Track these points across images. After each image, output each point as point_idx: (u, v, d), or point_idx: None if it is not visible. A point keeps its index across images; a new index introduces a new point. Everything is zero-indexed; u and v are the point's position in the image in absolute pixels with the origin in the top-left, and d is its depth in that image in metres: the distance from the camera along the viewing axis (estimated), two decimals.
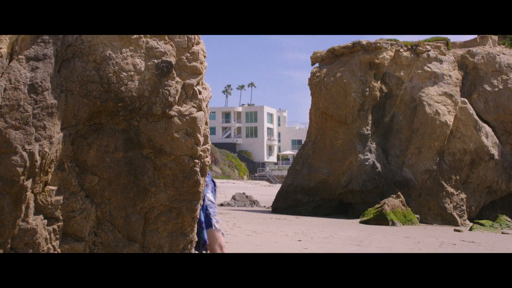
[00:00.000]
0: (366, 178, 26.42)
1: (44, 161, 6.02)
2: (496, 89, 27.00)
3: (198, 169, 6.83)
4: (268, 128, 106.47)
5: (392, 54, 26.95)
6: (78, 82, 6.42)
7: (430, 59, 26.81)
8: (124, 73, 6.52)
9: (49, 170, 6.19)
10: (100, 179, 6.61)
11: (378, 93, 26.91)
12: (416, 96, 26.41)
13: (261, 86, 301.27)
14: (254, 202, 34.49)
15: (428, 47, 27.03)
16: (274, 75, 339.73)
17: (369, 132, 26.65)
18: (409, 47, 27.21)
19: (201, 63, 6.91)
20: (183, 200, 6.85)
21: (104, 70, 6.46)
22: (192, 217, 6.89)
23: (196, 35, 6.96)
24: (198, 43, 6.98)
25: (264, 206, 32.86)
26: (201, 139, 6.83)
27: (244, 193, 36.19)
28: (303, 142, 29.99)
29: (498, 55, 27.49)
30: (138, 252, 6.75)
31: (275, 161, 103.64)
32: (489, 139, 26.52)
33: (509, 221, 24.84)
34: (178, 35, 6.82)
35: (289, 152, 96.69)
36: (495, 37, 28.80)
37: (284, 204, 27.86)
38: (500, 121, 27.17)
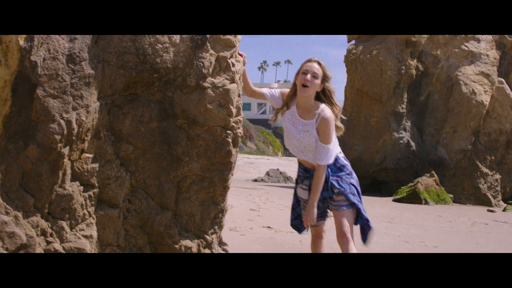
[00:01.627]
0: (400, 157, 26.33)
1: (81, 129, 6.21)
2: None
3: (230, 140, 6.98)
4: None
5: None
6: (115, 53, 6.59)
7: (468, 38, 26.50)
8: (159, 45, 6.67)
9: (85, 138, 6.38)
10: (134, 148, 6.80)
11: (414, 72, 26.70)
12: (452, 75, 26.15)
13: (297, 63, 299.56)
14: (287, 179, 34.56)
15: None
16: (310, 52, 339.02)
17: (404, 110, 26.51)
18: None
19: (235, 36, 7.02)
20: (215, 170, 7.01)
21: (140, 41, 6.62)
22: (223, 187, 7.05)
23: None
24: None
25: None
26: (234, 110, 6.97)
27: (278, 169, 36.27)
28: None
29: None
30: (170, 219, 6.93)
31: None
32: None
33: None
34: None
35: None
36: None
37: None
38: None
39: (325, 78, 6.09)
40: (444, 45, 26.53)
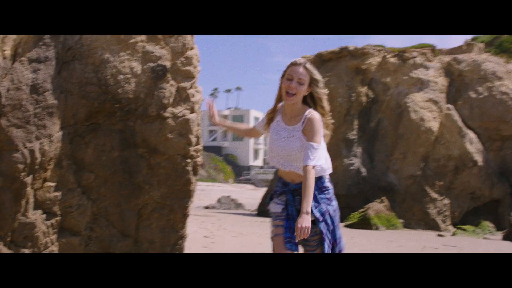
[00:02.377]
0: (351, 183, 26.80)
1: (44, 158, 6.40)
2: (481, 96, 27.42)
3: (190, 169, 7.23)
4: None
5: (379, 60, 27.37)
6: (77, 84, 6.81)
7: (417, 65, 27.22)
8: (121, 76, 6.91)
9: (48, 167, 6.56)
10: (96, 176, 7.00)
11: (364, 99, 27.31)
12: (401, 102, 26.78)
13: (248, 90, 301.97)
14: (239, 205, 34.78)
15: (414, 53, 27.45)
16: (261, 79, 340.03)
17: (355, 137, 27.04)
18: (396, 53, 27.58)
19: (195, 67, 7.31)
20: (175, 197, 7.25)
21: (102, 72, 6.85)
22: (183, 214, 7.29)
23: (190, 39, 7.35)
24: (192, 48, 7.39)
25: (249, 210, 33.15)
26: (194, 139, 7.24)
27: (229, 196, 36.47)
28: None
29: (484, 62, 27.95)
30: (132, 246, 7.12)
31: (261, 164, 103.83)
32: (473, 145, 26.95)
33: (491, 227, 25.32)
34: (173, 40, 7.20)
35: None
36: (481, 45, 29.29)
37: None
38: (485, 128, 27.60)
39: (312, 82, 5.53)
40: (394, 72, 27.19)
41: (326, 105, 5.55)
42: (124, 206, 7.08)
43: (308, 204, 5.36)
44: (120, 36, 6.89)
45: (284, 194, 5.66)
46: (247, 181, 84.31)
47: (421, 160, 26.56)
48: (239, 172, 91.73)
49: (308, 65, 5.51)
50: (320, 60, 28.19)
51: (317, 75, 5.51)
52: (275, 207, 5.68)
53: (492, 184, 27.41)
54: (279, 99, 5.66)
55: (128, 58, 6.97)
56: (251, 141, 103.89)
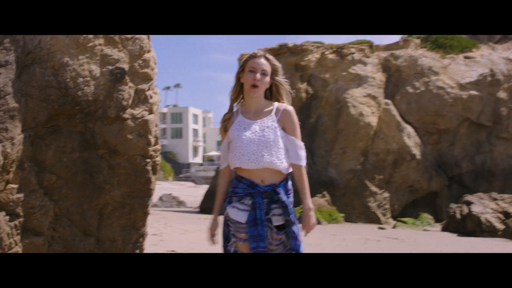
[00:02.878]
0: (292, 178, 27.28)
1: (6, 161, 6.57)
2: (418, 91, 28.25)
3: (149, 168, 7.51)
4: (193, 129, 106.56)
5: (318, 56, 27.94)
6: (38, 87, 7.00)
7: (355, 61, 27.88)
8: (80, 79, 7.13)
9: (10, 169, 6.73)
10: (58, 177, 7.20)
11: (304, 95, 27.85)
12: (341, 97, 27.39)
13: (187, 87, 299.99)
14: (181, 203, 35.02)
15: (352, 49, 28.09)
16: (199, 76, 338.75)
17: None
18: (334, 49, 28.17)
19: (152, 69, 7.58)
20: (136, 196, 7.51)
21: (62, 75, 7.06)
22: (144, 212, 7.56)
23: (147, 42, 7.61)
24: (149, 51, 7.66)
25: (191, 207, 33.43)
26: (152, 140, 7.51)
27: (170, 194, 36.69)
28: None
29: (420, 58, 28.79)
30: (94, 245, 7.35)
31: (201, 162, 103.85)
32: (411, 139, 27.76)
33: (430, 218, 26.18)
34: (131, 44, 7.46)
35: (214, 153, 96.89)
36: (418, 40, 30.14)
37: (212, 205, 28.44)
38: (422, 122, 28.44)
39: (274, 73, 5.37)
40: (333, 69, 27.79)
41: (284, 93, 5.45)
42: (86, 206, 7.30)
43: (309, 199, 5.38)
44: (79, 39, 7.11)
45: (249, 197, 5.21)
46: (186, 179, 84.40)
47: (361, 154, 27.25)
48: (179, 170, 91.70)
49: (268, 55, 5.41)
50: None
51: (278, 64, 5.43)
52: (237, 214, 5.22)
53: (430, 177, 28.30)
54: (235, 97, 5.49)
55: (87, 61, 7.18)
56: (190, 138, 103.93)
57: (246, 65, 5.29)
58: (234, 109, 5.49)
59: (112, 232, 7.50)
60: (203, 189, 42.36)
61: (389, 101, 27.97)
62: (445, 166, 29.09)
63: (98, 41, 7.27)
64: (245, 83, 5.32)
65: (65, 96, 7.08)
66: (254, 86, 5.23)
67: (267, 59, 5.33)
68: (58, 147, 7.20)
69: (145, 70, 7.52)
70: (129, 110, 7.39)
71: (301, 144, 5.33)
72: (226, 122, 5.44)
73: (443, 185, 28.80)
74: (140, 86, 7.49)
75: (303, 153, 5.34)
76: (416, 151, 27.81)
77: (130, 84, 7.41)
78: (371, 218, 26.54)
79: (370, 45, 29.03)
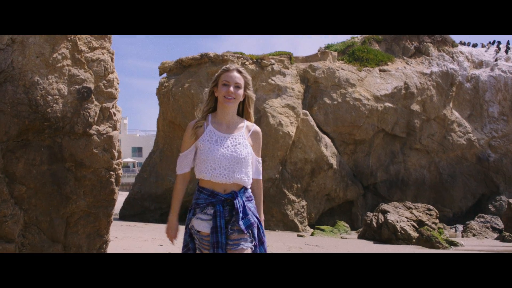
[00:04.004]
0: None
1: None
2: (335, 102, 29.54)
3: (113, 180, 8.28)
4: None
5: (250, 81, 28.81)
6: (9, 104, 7.68)
7: (274, 72, 28.90)
8: (50, 97, 7.85)
9: None
10: (27, 188, 7.89)
11: None
12: (260, 107, 28.31)
13: None
14: None
15: (272, 60, 29.12)
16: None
17: None
18: (255, 60, 29.13)
19: (116, 89, 8.37)
20: (100, 206, 8.27)
21: (32, 93, 7.76)
22: (107, 221, 8.32)
23: (111, 64, 8.39)
24: (113, 72, 8.44)
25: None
26: (116, 154, 8.30)
27: None
28: (143, 150, 31.02)
29: (338, 70, 30.14)
30: (61, 251, 8.07)
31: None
32: (328, 149, 29.00)
33: (346, 226, 27.52)
34: (96, 65, 8.23)
35: (130, 159, 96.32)
36: (335, 53, 31.50)
37: (132, 211, 29.03)
38: (339, 133, 29.77)
39: (247, 86, 5.62)
40: (252, 79, 28.31)
41: (252, 109, 5.78)
42: (54, 215, 8.00)
43: (262, 212, 5.84)
44: (48, 60, 7.83)
45: (210, 206, 5.42)
46: None
47: (280, 163, 28.28)
48: None
49: (241, 69, 5.64)
50: (181, 66, 29.33)
51: (249, 77, 5.70)
52: (201, 224, 5.40)
53: (346, 186, 29.66)
54: (207, 110, 5.64)
55: (56, 81, 7.90)
56: None
57: (219, 79, 5.58)
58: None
59: (78, 239, 8.22)
60: (121, 195, 42.64)
61: (307, 112, 29.08)
62: (360, 176, 30.55)
63: (66, 62, 8.00)
64: (219, 96, 5.52)
65: (35, 112, 7.77)
66: (227, 98, 5.43)
67: (239, 72, 5.61)
68: (28, 160, 7.88)
69: (110, 89, 8.29)
70: (94, 127, 8.14)
71: (260, 160, 5.81)
72: (197, 129, 5.57)
73: (358, 194, 30.22)
74: (105, 104, 8.25)
75: (261, 168, 5.83)
76: (333, 161, 29.05)
77: (96, 102, 8.17)
78: (289, 226, 27.55)
79: (289, 57, 30.13)
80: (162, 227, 24.65)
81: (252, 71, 28.80)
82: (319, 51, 31.86)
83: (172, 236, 5.82)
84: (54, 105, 7.88)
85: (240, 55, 29.51)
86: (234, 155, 5.48)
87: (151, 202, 29.04)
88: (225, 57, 28.93)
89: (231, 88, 5.46)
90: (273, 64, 29.15)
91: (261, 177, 5.88)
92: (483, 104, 35.18)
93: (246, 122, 5.73)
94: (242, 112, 5.76)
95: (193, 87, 27.96)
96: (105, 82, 8.30)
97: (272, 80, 28.77)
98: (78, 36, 8.08)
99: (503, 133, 35.06)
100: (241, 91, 5.55)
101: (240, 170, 5.51)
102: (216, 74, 5.68)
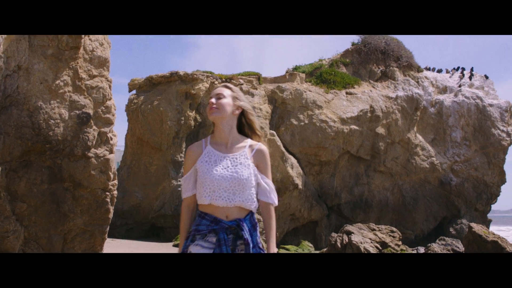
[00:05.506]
0: (178, 203, 28.42)
1: None
2: (302, 123, 30.20)
3: (109, 200, 8.99)
4: None
5: (208, 85, 29.42)
6: (14, 126, 8.36)
7: (243, 92, 29.54)
8: (52, 121, 8.55)
9: None
10: (28, 205, 8.56)
11: (192, 122, 29.25)
12: None
13: None
14: None
15: (241, 80, 29.73)
16: None
17: (183, 159, 28.80)
18: (224, 80, 29.75)
19: (113, 115, 9.09)
20: (96, 224, 8.96)
21: (36, 117, 8.45)
22: (102, 238, 9.02)
23: (109, 91, 9.12)
24: (110, 99, 9.17)
25: None
26: (112, 175, 9.00)
27: None
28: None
29: (305, 91, 30.86)
30: None
31: None
32: (294, 169, 29.62)
33: (310, 246, 28.23)
34: (95, 92, 8.95)
35: None
36: (303, 75, 32.26)
37: None
38: (305, 153, 30.43)
39: (236, 97, 5.27)
40: None
41: (258, 127, 5.38)
42: (52, 232, 8.68)
43: (275, 243, 5.24)
44: (51, 86, 8.53)
45: (213, 233, 5.01)
46: None
47: None
48: None
49: (228, 84, 5.30)
50: (151, 84, 29.83)
51: (236, 88, 5.35)
52: (201, 252, 5.00)
53: (311, 206, 30.35)
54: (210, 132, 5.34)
55: (58, 106, 8.60)
56: None
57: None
58: (203, 140, 5.28)
59: None
60: None
61: (274, 132, 29.70)
62: (325, 196, 31.29)
63: (67, 88, 8.72)
64: (208, 112, 5.21)
65: (38, 135, 8.46)
66: (211, 108, 5.11)
67: (225, 86, 5.30)
68: (29, 179, 8.55)
69: (107, 115, 9.02)
70: (93, 150, 8.85)
71: (272, 185, 5.26)
72: (196, 151, 5.22)
73: (323, 214, 30.93)
74: (102, 129, 8.98)
75: (274, 193, 5.26)
76: (299, 181, 29.70)
77: (94, 127, 8.89)
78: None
79: (258, 77, 30.79)
80: (129, 243, 25.12)
81: None
82: (287, 72, 32.63)
83: None
84: (55, 128, 8.57)
85: (210, 75, 30.11)
86: (235, 176, 5.07)
87: (118, 218, 29.44)
88: (195, 75, 29.50)
89: (213, 100, 5.16)
90: (242, 84, 29.76)
91: (273, 202, 5.28)
92: (447, 129, 36.29)
93: (249, 141, 5.29)
94: (245, 130, 5.34)
95: (162, 104, 28.46)
96: (103, 108, 9.02)
97: None
98: (79, 64, 8.80)
99: (465, 158, 36.22)
100: (225, 100, 5.19)
101: (242, 192, 5.07)
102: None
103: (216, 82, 29.52)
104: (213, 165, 5.08)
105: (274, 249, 5.16)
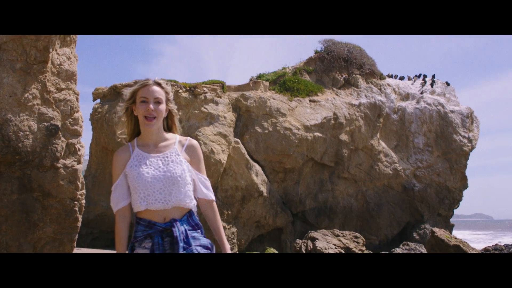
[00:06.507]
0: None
1: None
2: (266, 131, 30.61)
3: (77, 209, 9.34)
4: None
5: (172, 94, 29.66)
6: None
7: (207, 100, 29.81)
8: (21, 133, 8.88)
9: None
10: None
11: None
12: (193, 135, 28.87)
13: None
14: None
15: (205, 89, 30.04)
16: None
17: None
18: (188, 88, 29.95)
19: (80, 126, 9.45)
20: (65, 232, 9.30)
21: (5, 129, 8.78)
22: (71, 246, 9.36)
23: (76, 104, 9.48)
24: (78, 111, 9.52)
25: None
26: (80, 185, 9.36)
27: None
28: None
29: (269, 99, 31.28)
30: None
31: None
32: (258, 177, 30.00)
33: (276, 253, 28.72)
34: (63, 105, 9.30)
35: None
36: (267, 83, 32.65)
37: None
38: (269, 161, 30.85)
39: (169, 99, 5.06)
40: (186, 106, 29.72)
41: (177, 123, 5.24)
42: (22, 240, 9.00)
43: (226, 240, 5.16)
44: (20, 100, 8.87)
45: (148, 238, 4.76)
46: None
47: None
48: None
49: (160, 81, 5.07)
50: (115, 92, 30.04)
51: (170, 88, 5.14)
52: None
53: (276, 213, 30.78)
54: (133, 131, 5.06)
55: (26, 118, 8.94)
56: None
57: (136, 95, 4.95)
58: (129, 144, 5.01)
59: None
60: None
61: (238, 140, 30.07)
62: (290, 203, 31.73)
63: (36, 101, 9.06)
64: (138, 115, 4.91)
65: (8, 147, 8.79)
66: (148, 118, 4.85)
67: (159, 85, 5.02)
68: None
69: (75, 127, 9.38)
70: (61, 160, 9.20)
71: (208, 181, 5.13)
72: (123, 156, 4.92)
73: (287, 221, 31.36)
74: (70, 140, 9.33)
75: (210, 186, 5.12)
76: (263, 188, 30.09)
77: (63, 138, 9.24)
78: (219, 252, 28.34)
79: (222, 85, 31.13)
80: (95, 252, 25.35)
81: (185, 99, 29.67)
82: (251, 80, 33.03)
83: None
84: (24, 140, 8.90)
85: (174, 83, 30.31)
86: (168, 175, 4.80)
87: (83, 227, 29.58)
88: None
89: (151, 106, 4.85)
90: (206, 92, 30.08)
91: (212, 197, 5.20)
92: (409, 135, 36.97)
93: (178, 137, 5.12)
94: (166, 127, 5.17)
95: None
96: (71, 120, 9.38)
97: (205, 108, 29.68)
98: (48, 77, 9.15)
99: (427, 164, 36.93)
100: (162, 106, 4.96)
101: (178, 191, 4.81)
102: (132, 89, 5.02)
103: (180, 91, 29.81)
104: (144, 168, 4.81)
105: (228, 249, 5.09)
